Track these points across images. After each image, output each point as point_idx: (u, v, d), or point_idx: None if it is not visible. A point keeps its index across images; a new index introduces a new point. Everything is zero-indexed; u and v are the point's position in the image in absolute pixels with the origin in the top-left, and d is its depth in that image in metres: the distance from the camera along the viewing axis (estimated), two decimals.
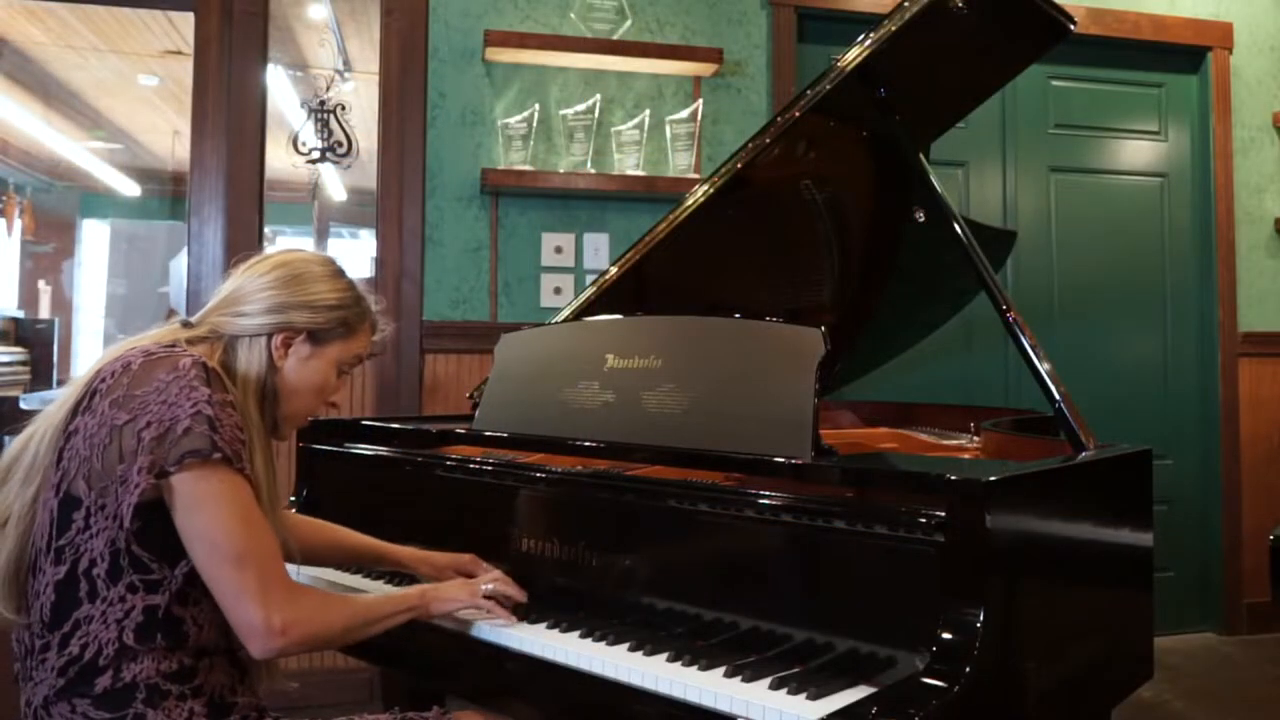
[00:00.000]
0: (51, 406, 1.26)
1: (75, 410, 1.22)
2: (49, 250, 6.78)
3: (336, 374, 1.42)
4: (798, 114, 1.85)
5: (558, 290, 3.21)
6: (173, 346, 1.27)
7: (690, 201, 1.96)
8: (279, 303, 1.34)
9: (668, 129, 3.25)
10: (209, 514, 1.16)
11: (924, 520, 1.14)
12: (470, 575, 1.53)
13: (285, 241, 7.79)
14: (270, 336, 1.33)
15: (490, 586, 1.44)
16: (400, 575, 1.70)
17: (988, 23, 1.96)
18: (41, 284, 6.57)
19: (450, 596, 1.41)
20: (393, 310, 3.08)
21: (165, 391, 1.17)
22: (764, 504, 1.29)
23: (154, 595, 1.18)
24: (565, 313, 2.08)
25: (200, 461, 1.15)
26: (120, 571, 1.17)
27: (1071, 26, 2.04)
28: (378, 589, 1.65)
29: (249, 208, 3.07)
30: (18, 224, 6.19)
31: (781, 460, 1.35)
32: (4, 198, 6.11)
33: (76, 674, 1.16)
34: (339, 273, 1.43)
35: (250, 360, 1.33)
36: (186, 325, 1.34)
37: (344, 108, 3.54)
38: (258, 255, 1.42)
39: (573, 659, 1.31)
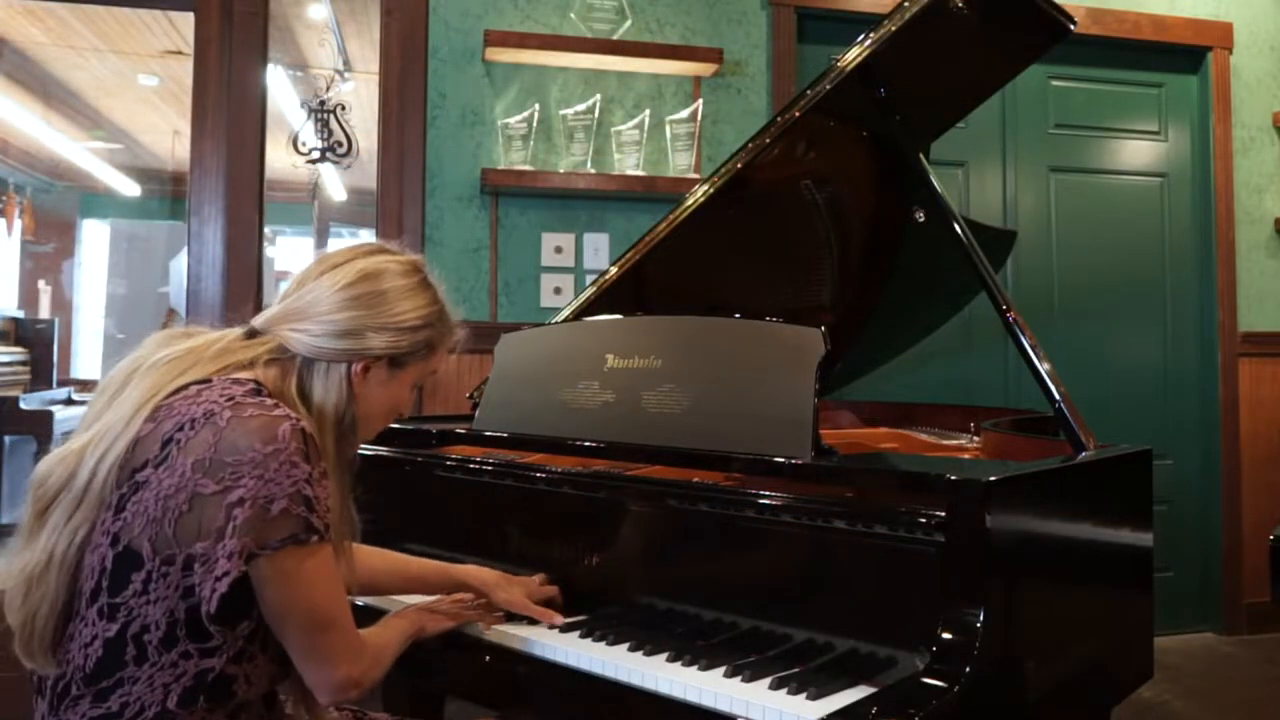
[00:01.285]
0: (101, 428, 1.13)
1: (136, 446, 1.10)
2: (49, 250, 6.79)
3: (410, 389, 1.32)
4: (798, 114, 1.85)
5: (558, 290, 3.21)
6: (251, 384, 1.15)
7: (690, 201, 1.96)
8: (357, 325, 1.21)
9: (668, 129, 3.25)
10: (298, 593, 1.10)
11: (924, 520, 1.14)
12: (548, 620, 1.46)
13: (286, 242, 7.79)
14: (349, 365, 1.21)
15: (476, 603, 1.48)
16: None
17: (988, 23, 1.96)
18: (41, 284, 6.58)
19: (445, 614, 1.45)
20: None
21: (263, 465, 1.06)
22: (764, 504, 1.29)
23: (209, 659, 1.10)
24: (565, 313, 2.08)
25: (296, 547, 1.07)
26: (175, 641, 1.08)
27: (1071, 26, 2.03)
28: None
29: (249, 208, 3.07)
30: (18, 224, 6.19)
31: (781, 460, 1.35)
32: (4, 198, 6.11)
33: None
34: (423, 284, 1.29)
35: (328, 390, 1.21)
36: (251, 334, 1.23)
37: (344, 108, 3.55)
38: (340, 253, 1.28)
39: (573, 659, 1.31)
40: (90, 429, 1.14)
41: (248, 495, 1.05)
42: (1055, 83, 3.76)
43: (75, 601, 1.12)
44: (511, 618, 1.45)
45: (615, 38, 3.25)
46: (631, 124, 3.21)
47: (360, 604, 1.61)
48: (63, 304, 6.69)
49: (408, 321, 1.25)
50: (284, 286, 1.28)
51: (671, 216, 1.98)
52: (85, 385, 5.61)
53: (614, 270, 2.05)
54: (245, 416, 1.09)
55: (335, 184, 6.25)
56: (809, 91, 1.84)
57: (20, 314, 5.57)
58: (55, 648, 1.12)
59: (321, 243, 6.32)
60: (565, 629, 1.39)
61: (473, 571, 1.52)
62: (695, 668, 1.22)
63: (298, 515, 1.07)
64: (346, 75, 4.13)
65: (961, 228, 1.83)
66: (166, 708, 1.08)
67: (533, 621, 1.43)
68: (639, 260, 2.01)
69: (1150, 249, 3.85)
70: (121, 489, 1.09)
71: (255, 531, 1.05)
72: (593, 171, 3.20)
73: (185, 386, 1.14)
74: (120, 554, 1.08)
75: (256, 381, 1.17)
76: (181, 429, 1.09)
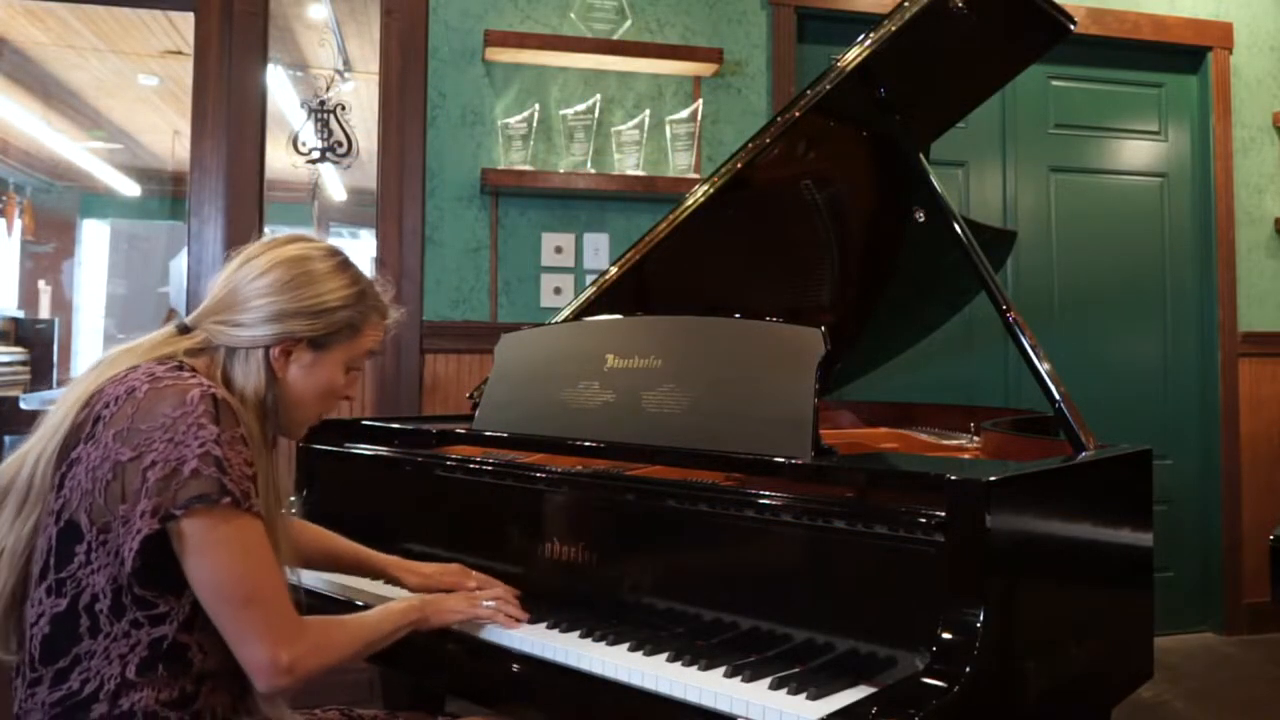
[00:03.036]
0: (44, 428, 1.20)
1: (74, 432, 1.16)
2: (49, 250, 6.78)
3: (345, 373, 1.34)
4: (798, 114, 1.85)
5: (558, 290, 3.21)
6: (174, 364, 1.21)
7: (690, 201, 1.96)
8: (277, 310, 1.25)
9: (668, 129, 3.25)
10: (216, 559, 1.11)
11: (924, 520, 1.14)
12: (458, 585, 1.52)
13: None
14: (268, 349, 1.25)
15: (491, 603, 1.44)
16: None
17: (988, 23, 1.96)
18: (41, 284, 6.57)
19: (449, 609, 1.41)
20: None
21: (172, 429, 1.11)
22: (764, 504, 1.29)
23: (160, 627, 1.14)
24: (565, 313, 2.08)
25: (208, 507, 1.10)
26: (123, 608, 1.12)
27: (1071, 26, 2.04)
28: (388, 592, 1.61)
29: (249, 208, 3.07)
30: (18, 224, 6.19)
31: (781, 460, 1.35)
32: (4, 198, 6.11)
33: (72, 706, 1.12)
34: (342, 265, 1.33)
35: (247, 374, 1.25)
36: (183, 330, 1.27)
37: (344, 108, 3.54)
38: (256, 245, 1.31)
39: (573, 659, 1.31)
40: (35, 434, 1.21)
41: (159, 458, 1.10)
42: (1055, 83, 3.77)
43: (28, 586, 1.17)
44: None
45: (615, 38, 3.25)
46: (631, 124, 3.21)
47: (359, 604, 1.61)
48: (63, 304, 6.68)
49: (326, 303, 1.28)
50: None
51: (671, 216, 1.98)
52: None
53: (614, 270, 2.05)
54: (160, 387, 1.15)
55: (335, 184, 6.24)
56: (809, 91, 1.84)
57: (20, 314, 5.57)
58: (7, 636, 1.18)
59: None
60: (565, 629, 1.39)
61: (391, 560, 1.59)
62: (695, 668, 1.22)
63: (208, 475, 1.10)
64: (346, 75, 4.13)
65: (961, 228, 1.83)
66: (126, 677, 1.12)
67: (532, 621, 1.43)
68: (639, 260, 2.01)
69: (1150, 249, 3.85)
70: (60, 469, 1.15)
71: (167, 492, 1.09)
72: (593, 171, 3.20)
73: (115, 374, 1.20)
74: (62, 529, 1.14)
75: (181, 363, 1.22)
76: (108, 406, 1.15)
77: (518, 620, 1.42)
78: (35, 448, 1.19)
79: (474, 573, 1.55)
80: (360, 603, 1.58)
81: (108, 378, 1.19)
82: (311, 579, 1.66)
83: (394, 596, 1.53)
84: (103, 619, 1.12)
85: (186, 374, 1.19)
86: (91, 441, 1.14)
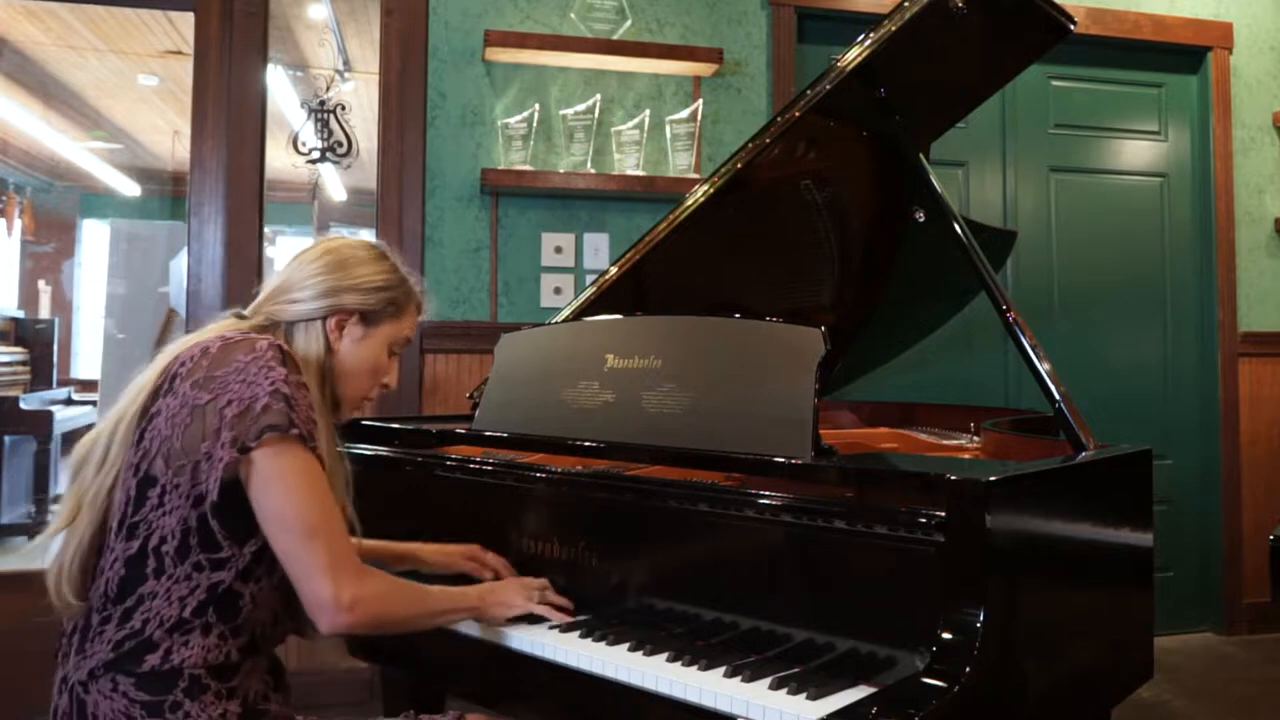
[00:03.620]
0: (121, 404, 1.29)
1: (154, 395, 1.26)
2: (49, 250, 6.78)
3: (388, 355, 1.46)
4: (798, 114, 1.85)
5: (558, 290, 3.21)
6: (243, 334, 1.31)
7: (690, 202, 1.96)
8: (329, 287, 1.38)
9: (668, 129, 3.25)
10: (285, 488, 1.20)
11: (924, 520, 1.14)
12: (476, 570, 1.57)
13: (286, 241, 7.79)
14: (325, 320, 1.38)
15: (547, 595, 1.46)
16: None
17: (988, 22, 1.96)
18: (41, 284, 6.57)
19: (509, 601, 1.43)
20: None
21: (244, 371, 1.22)
22: (764, 504, 1.29)
23: (219, 572, 1.22)
24: (565, 313, 2.08)
25: (279, 437, 1.19)
26: (189, 550, 1.20)
27: (1071, 26, 2.04)
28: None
29: (249, 208, 3.06)
30: (18, 224, 6.19)
31: (781, 460, 1.35)
32: (4, 198, 6.11)
33: (131, 648, 1.19)
34: (382, 255, 1.46)
35: (309, 344, 1.37)
36: (240, 317, 1.38)
37: (344, 108, 3.55)
38: (302, 250, 1.46)
39: (573, 659, 1.31)
40: (111, 411, 1.31)
41: (234, 396, 1.20)
42: (1055, 83, 3.77)
43: (106, 538, 1.24)
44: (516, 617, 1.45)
45: (615, 38, 3.25)
46: (631, 124, 3.21)
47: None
48: (63, 304, 6.69)
49: (373, 282, 1.42)
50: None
51: (671, 216, 1.98)
52: (85, 385, 5.61)
53: (614, 270, 2.05)
54: (232, 342, 1.27)
55: (335, 184, 6.25)
56: (809, 91, 1.84)
57: (20, 314, 5.57)
58: (81, 586, 1.24)
59: None
60: (565, 629, 1.39)
61: (411, 546, 1.64)
62: (695, 668, 1.22)
63: (278, 409, 1.20)
64: (346, 75, 4.13)
65: (961, 228, 1.83)
66: (182, 616, 1.19)
67: (533, 621, 1.43)
68: (639, 260, 2.01)
69: (1150, 249, 3.85)
70: (140, 426, 1.25)
71: (243, 425, 1.19)
72: (593, 171, 3.20)
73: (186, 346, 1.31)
74: (141, 480, 1.22)
75: (249, 332, 1.34)
76: (183, 364, 1.26)
77: (568, 615, 1.44)
78: (112, 417, 1.29)
79: (492, 558, 1.59)
80: None
81: (182, 348, 1.30)
82: None
83: None
84: (168, 560, 1.20)
85: (254, 334, 1.31)
86: (169, 394, 1.24)
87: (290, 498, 1.20)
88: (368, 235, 3.32)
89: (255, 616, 1.25)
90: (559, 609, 1.45)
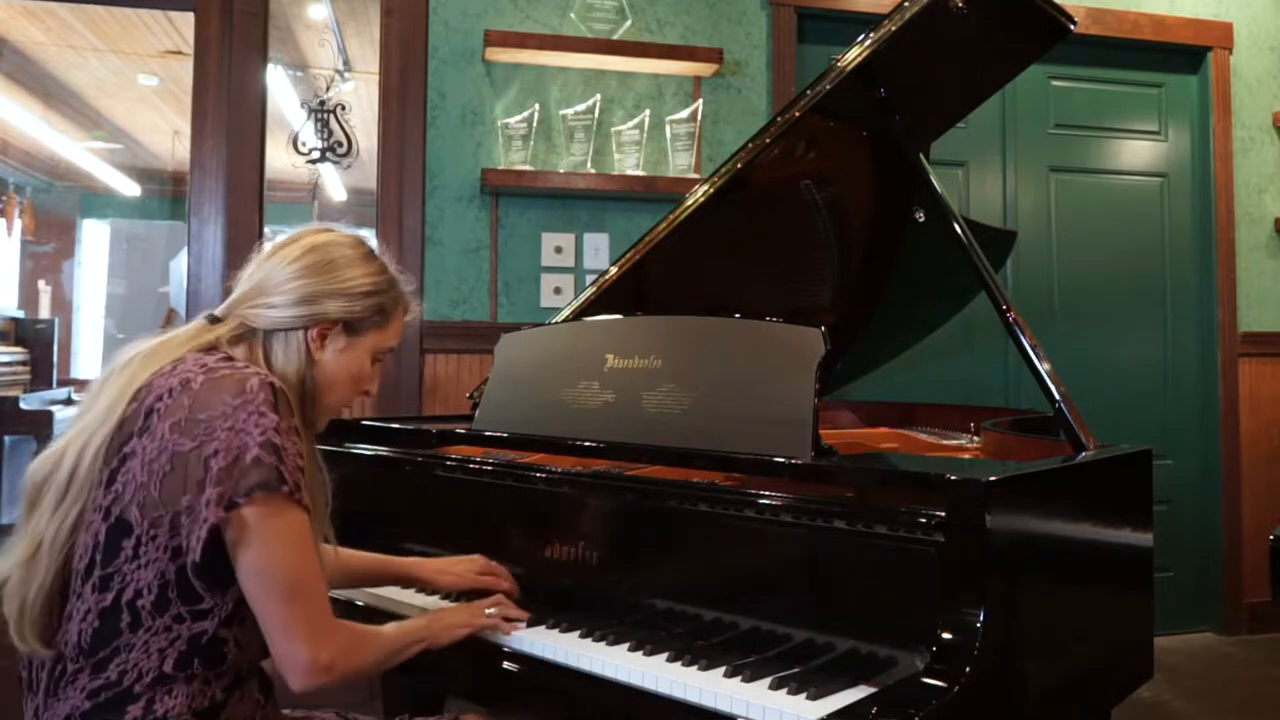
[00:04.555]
0: (84, 421, 1.18)
1: (123, 426, 1.15)
2: (49, 250, 6.78)
3: (371, 362, 1.36)
4: (798, 114, 1.85)
5: (558, 290, 3.21)
6: (221, 354, 1.22)
7: (690, 202, 1.96)
8: (311, 292, 1.27)
9: (668, 129, 3.25)
10: (269, 549, 1.12)
11: (924, 520, 1.14)
12: (493, 584, 1.53)
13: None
14: (306, 330, 1.27)
15: (493, 610, 1.43)
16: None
17: (988, 22, 1.96)
18: (41, 284, 6.57)
19: (454, 624, 1.40)
20: None
21: (233, 417, 1.11)
22: (764, 504, 1.29)
23: (201, 622, 1.14)
24: (565, 313, 2.08)
25: (267, 495, 1.11)
26: (167, 603, 1.12)
27: (1071, 26, 2.04)
28: (433, 604, 1.59)
29: (249, 208, 3.06)
30: (18, 224, 6.19)
31: (781, 460, 1.35)
32: (4, 198, 6.11)
33: (109, 699, 1.12)
34: (370, 254, 1.35)
35: (288, 356, 1.26)
36: (214, 320, 1.28)
37: (344, 108, 3.54)
38: (283, 238, 1.33)
39: (573, 659, 1.31)
40: (74, 427, 1.19)
41: (221, 446, 1.10)
42: (1055, 83, 3.76)
43: (71, 582, 1.15)
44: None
45: (615, 38, 3.25)
46: (631, 124, 3.21)
47: (360, 603, 1.61)
48: (63, 304, 6.68)
49: (360, 287, 1.30)
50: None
51: (672, 216, 1.98)
52: (85, 385, 5.60)
53: (614, 270, 2.05)
54: (217, 378, 1.16)
55: (335, 184, 6.25)
56: (809, 91, 1.84)
57: (20, 314, 5.57)
58: (45, 630, 1.15)
59: None
60: (565, 629, 1.39)
61: (413, 565, 1.57)
62: (695, 668, 1.22)
63: (269, 464, 1.11)
64: (346, 75, 4.13)
65: (961, 228, 1.83)
66: (163, 671, 1.12)
67: (532, 622, 1.43)
68: (639, 260, 2.01)
69: (1150, 249, 3.85)
70: (110, 464, 1.14)
71: (231, 479, 1.09)
72: (593, 171, 3.20)
73: (161, 368, 1.19)
74: (112, 525, 1.13)
75: (228, 354, 1.24)
76: (160, 399, 1.15)
77: (518, 623, 1.42)
78: (76, 440, 1.17)
79: (498, 568, 1.56)
80: (388, 609, 1.58)
81: (152, 370, 1.19)
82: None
83: (412, 601, 1.56)
84: (144, 614, 1.12)
85: (240, 363, 1.20)
86: (146, 435, 1.13)
87: (273, 558, 1.12)
88: (368, 234, 3.32)
89: (242, 657, 1.19)
90: (512, 618, 1.42)
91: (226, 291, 1.34)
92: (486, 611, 1.42)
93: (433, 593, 1.62)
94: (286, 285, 1.27)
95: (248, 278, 1.31)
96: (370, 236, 3.32)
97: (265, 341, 1.26)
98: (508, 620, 1.42)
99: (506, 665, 1.39)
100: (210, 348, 1.23)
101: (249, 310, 1.27)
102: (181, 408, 1.13)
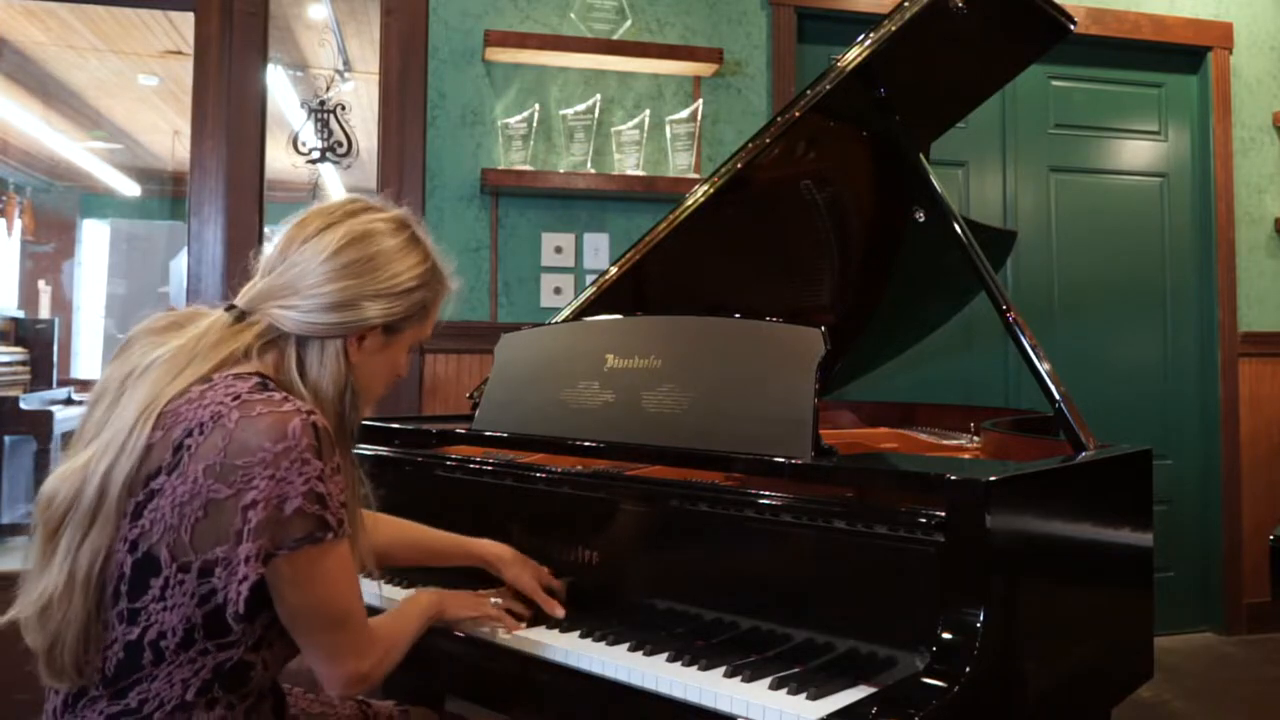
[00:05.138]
0: (106, 440, 1.09)
1: (149, 456, 1.07)
2: (49, 250, 6.78)
3: (406, 352, 1.29)
4: (798, 114, 1.85)
5: (558, 290, 3.21)
6: (255, 379, 1.12)
7: (690, 202, 1.96)
8: (351, 296, 1.16)
9: (668, 129, 3.25)
10: (313, 591, 1.09)
11: (924, 520, 1.14)
12: (551, 611, 1.47)
13: None
14: (345, 339, 1.18)
15: (498, 600, 1.44)
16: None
17: (988, 22, 1.96)
18: (41, 284, 6.57)
19: (464, 606, 1.41)
20: None
21: (274, 465, 1.03)
22: (764, 504, 1.29)
23: (227, 652, 1.10)
24: (565, 313, 2.08)
25: (312, 545, 1.06)
26: (192, 643, 1.08)
27: (1071, 26, 2.04)
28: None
29: (249, 208, 3.06)
30: (18, 224, 6.19)
31: (781, 460, 1.35)
32: (4, 198, 6.11)
33: None
34: (413, 239, 1.25)
35: (324, 366, 1.17)
36: (239, 318, 1.17)
37: (344, 108, 3.54)
38: (314, 215, 1.21)
39: (573, 659, 1.31)
40: (91, 443, 1.11)
41: (260, 497, 1.03)
42: (1055, 83, 3.76)
43: (102, 613, 1.09)
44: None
45: (615, 38, 3.25)
46: (631, 124, 3.21)
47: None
48: (63, 304, 6.69)
49: (402, 285, 1.21)
50: (266, 251, 1.21)
51: (672, 216, 1.98)
52: (85, 385, 5.61)
53: (614, 270, 2.05)
54: (254, 416, 1.06)
55: (335, 184, 6.24)
56: (809, 91, 1.84)
57: (20, 314, 5.57)
58: (82, 662, 1.09)
59: None
60: (565, 629, 1.39)
61: (488, 545, 1.53)
62: (695, 668, 1.22)
63: (312, 514, 1.05)
64: (346, 75, 4.13)
65: (961, 228, 1.83)
66: (185, 699, 1.09)
67: (533, 621, 1.43)
68: (639, 260, 2.01)
69: (1150, 249, 3.85)
70: (137, 496, 1.07)
71: (271, 532, 1.03)
72: (593, 171, 3.20)
73: (187, 389, 1.11)
74: (139, 560, 1.07)
75: (260, 374, 1.14)
76: (190, 434, 1.06)
77: (520, 623, 1.43)
78: (100, 463, 1.08)
79: (553, 581, 1.50)
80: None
81: (177, 391, 1.10)
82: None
83: None
84: (168, 653, 1.08)
85: (276, 396, 1.09)
86: (176, 474, 1.06)
87: (318, 596, 1.09)
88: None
89: (266, 677, 1.16)
90: (517, 614, 1.43)
91: (244, 276, 1.23)
92: (492, 601, 1.43)
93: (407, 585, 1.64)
94: (324, 288, 1.15)
95: (277, 268, 1.18)
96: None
97: (299, 349, 1.17)
98: (512, 616, 1.42)
99: (507, 665, 1.39)
100: (238, 360, 1.15)
101: (279, 310, 1.16)
102: (216, 448, 1.04)
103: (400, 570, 1.71)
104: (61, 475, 1.11)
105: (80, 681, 1.10)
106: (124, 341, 1.19)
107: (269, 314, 1.16)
